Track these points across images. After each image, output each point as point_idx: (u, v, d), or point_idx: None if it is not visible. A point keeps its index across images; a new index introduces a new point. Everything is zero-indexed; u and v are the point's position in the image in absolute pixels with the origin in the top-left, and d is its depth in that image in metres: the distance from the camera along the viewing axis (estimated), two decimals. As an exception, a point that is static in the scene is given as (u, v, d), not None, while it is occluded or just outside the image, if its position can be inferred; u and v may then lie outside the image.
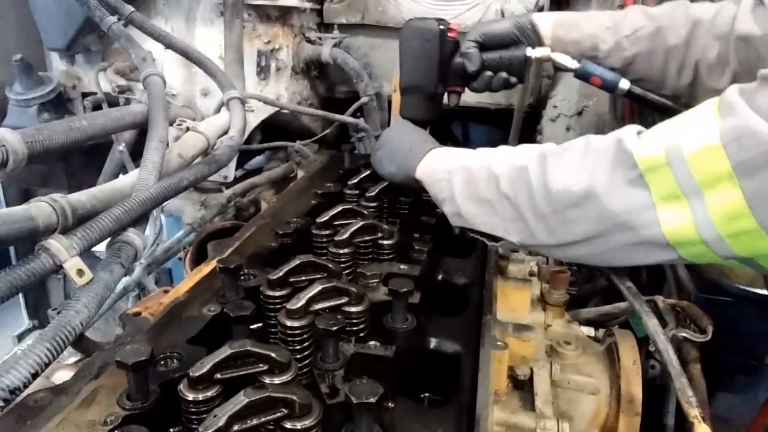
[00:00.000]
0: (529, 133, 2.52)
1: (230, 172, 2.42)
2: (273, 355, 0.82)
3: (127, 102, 2.24)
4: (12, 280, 0.85)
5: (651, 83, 1.44)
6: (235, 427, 0.72)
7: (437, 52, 1.50)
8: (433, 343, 1.10)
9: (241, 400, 0.73)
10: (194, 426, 0.79)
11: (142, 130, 1.45)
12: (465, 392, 0.97)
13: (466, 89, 1.62)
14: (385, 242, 1.27)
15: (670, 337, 1.63)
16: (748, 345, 1.74)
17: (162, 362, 0.95)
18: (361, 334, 1.03)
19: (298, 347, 0.94)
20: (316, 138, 2.55)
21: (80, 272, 0.92)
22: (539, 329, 1.27)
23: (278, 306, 1.04)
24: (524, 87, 2.23)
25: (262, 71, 2.38)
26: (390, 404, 0.93)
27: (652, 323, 1.09)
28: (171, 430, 0.86)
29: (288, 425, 0.75)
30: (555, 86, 2.47)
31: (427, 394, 1.09)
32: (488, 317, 1.11)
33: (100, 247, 1.06)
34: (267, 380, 0.81)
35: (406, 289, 1.03)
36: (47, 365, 0.81)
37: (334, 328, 0.92)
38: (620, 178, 0.89)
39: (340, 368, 0.95)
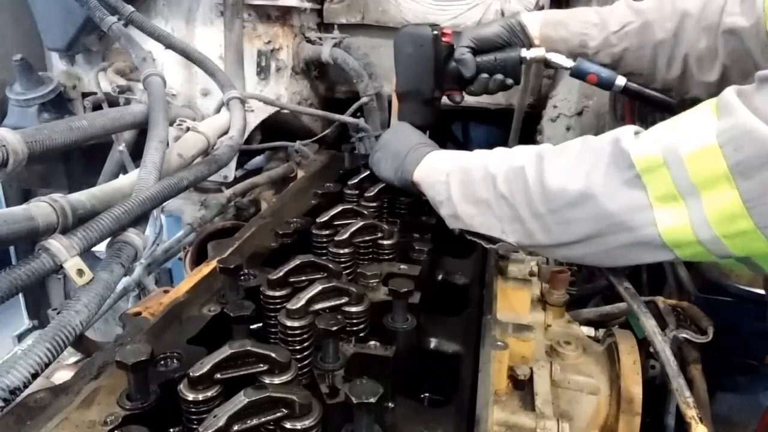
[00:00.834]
0: (529, 133, 2.52)
1: (230, 172, 2.42)
2: (273, 355, 0.82)
3: (127, 102, 2.24)
4: (12, 280, 0.85)
5: (641, 78, 1.45)
6: (235, 427, 0.72)
7: (432, 57, 1.50)
8: (433, 343, 1.10)
9: (241, 400, 0.73)
10: (194, 426, 0.79)
11: (142, 130, 1.45)
12: (465, 392, 0.97)
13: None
14: (385, 242, 1.27)
15: (670, 338, 1.64)
16: (748, 345, 1.74)
17: (162, 362, 0.95)
18: (361, 334, 1.03)
19: (298, 347, 0.94)
20: (316, 138, 2.55)
21: (80, 272, 0.92)
22: (539, 329, 1.27)
23: (278, 306, 1.04)
24: (524, 87, 2.23)
25: (262, 71, 2.38)
26: (390, 404, 0.93)
27: (650, 324, 1.10)
28: (171, 430, 0.86)
29: (288, 425, 0.75)
30: (555, 86, 2.47)
31: (427, 394, 1.09)
32: (488, 317, 1.11)
33: (100, 247, 1.06)
34: (267, 380, 0.81)
35: (406, 289, 1.03)
36: (47, 365, 0.81)
37: (334, 328, 0.92)
38: (617, 178, 0.89)
39: (340, 368, 0.95)
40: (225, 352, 0.81)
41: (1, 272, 0.85)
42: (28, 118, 2.31)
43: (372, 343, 1.00)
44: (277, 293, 1.05)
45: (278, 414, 0.75)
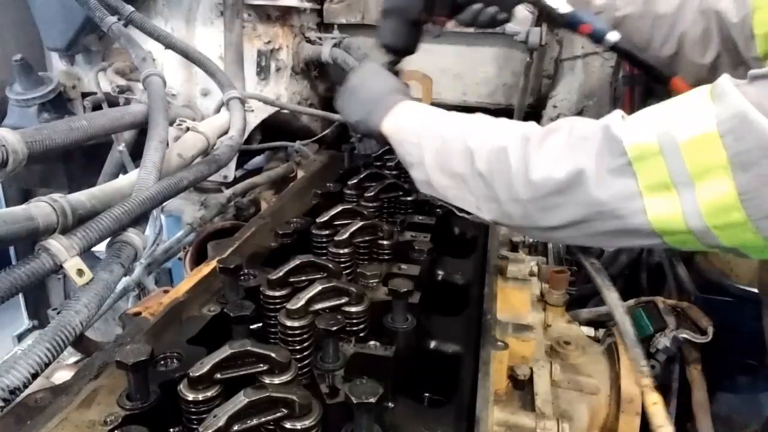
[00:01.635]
0: (529, 133, 2.52)
1: (230, 172, 2.42)
2: (273, 355, 0.82)
3: (127, 102, 2.24)
4: (12, 280, 0.85)
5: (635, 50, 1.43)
6: (235, 427, 0.72)
7: None
8: (433, 343, 1.10)
9: (241, 400, 0.73)
10: (194, 426, 0.79)
11: (142, 130, 1.45)
12: (465, 392, 0.97)
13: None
14: (385, 242, 1.27)
15: (670, 338, 1.64)
16: (748, 345, 1.74)
17: (162, 362, 0.95)
18: (361, 334, 1.03)
19: (298, 347, 0.94)
20: (316, 138, 2.55)
21: (80, 272, 0.92)
22: (539, 329, 1.27)
23: (278, 306, 1.04)
24: (524, 87, 2.22)
25: (262, 71, 2.38)
26: (390, 404, 0.93)
27: (611, 297, 1.14)
28: (171, 430, 0.86)
29: (288, 425, 0.75)
30: (555, 86, 2.47)
31: (427, 394, 1.09)
32: (488, 317, 1.11)
33: (100, 247, 1.06)
34: (267, 380, 0.81)
35: (406, 289, 1.03)
36: (47, 365, 0.80)
37: (334, 328, 0.92)
38: (607, 165, 0.87)
39: (340, 368, 0.95)
40: (225, 352, 0.81)
41: (1, 272, 0.85)
42: (28, 118, 2.31)
43: (372, 343, 1.00)
44: (277, 293, 1.05)
45: (278, 414, 0.75)
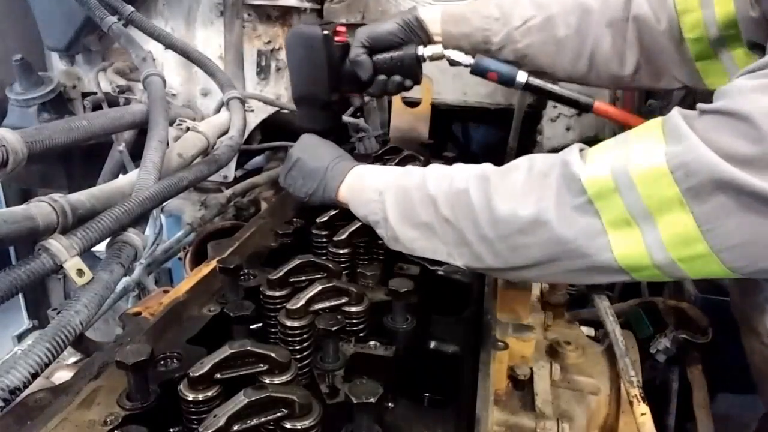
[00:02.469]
0: (529, 133, 2.52)
1: (230, 172, 2.42)
2: (273, 355, 0.82)
3: (127, 102, 2.24)
4: (12, 280, 0.85)
5: (546, 76, 1.40)
6: (235, 427, 0.72)
7: (324, 59, 1.40)
8: (433, 343, 1.10)
9: (241, 400, 0.73)
10: (194, 426, 0.79)
11: (142, 130, 1.45)
12: (465, 392, 0.97)
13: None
14: (385, 242, 1.27)
15: (670, 338, 1.64)
16: (748, 345, 1.74)
17: (162, 362, 0.95)
18: (361, 334, 1.03)
19: (298, 347, 0.94)
20: (316, 138, 2.54)
21: (80, 272, 0.92)
22: (539, 329, 1.27)
23: (278, 306, 1.04)
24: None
25: (262, 71, 2.38)
26: (390, 404, 0.93)
27: (603, 305, 1.17)
28: (171, 430, 0.86)
29: (288, 425, 0.75)
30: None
31: (427, 394, 1.09)
32: (488, 317, 1.11)
33: (100, 247, 1.06)
34: (267, 380, 0.81)
35: (406, 289, 1.03)
36: (47, 365, 0.80)
37: (334, 328, 0.92)
38: (569, 204, 0.87)
39: (340, 368, 0.95)
40: (225, 352, 0.81)
41: (1, 272, 0.85)
42: (28, 118, 2.31)
43: (372, 343, 1.00)
44: (277, 293, 1.05)
45: (278, 414, 0.75)
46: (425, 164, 1.66)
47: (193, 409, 0.80)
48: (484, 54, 1.40)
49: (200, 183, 1.46)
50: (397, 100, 2.24)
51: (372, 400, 0.75)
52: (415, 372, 1.05)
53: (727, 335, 1.63)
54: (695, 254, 0.80)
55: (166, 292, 1.38)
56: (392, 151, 1.77)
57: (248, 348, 0.82)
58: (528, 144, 2.51)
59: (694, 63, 1.24)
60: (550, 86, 1.39)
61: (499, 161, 1.07)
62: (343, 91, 1.50)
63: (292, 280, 1.08)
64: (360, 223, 1.24)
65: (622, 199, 0.82)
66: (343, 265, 1.18)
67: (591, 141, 0.98)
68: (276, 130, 2.53)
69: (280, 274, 1.06)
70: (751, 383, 1.26)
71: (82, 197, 1.03)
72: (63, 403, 0.86)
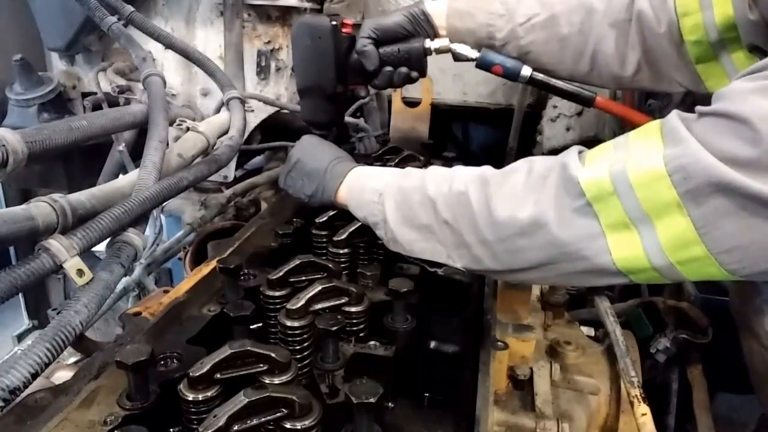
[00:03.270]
0: (529, 133, 2.53)
1: (230, 172, 2.42)
2: (273, 355, 0.82)
3: (127, 102, 2.24)
4: (12, 280, 0.85)
5: (548, 73, 1.41)
6: (235, 427, 0.72)
7: (332, 50, 1.40)
8: (433, 343, 1.10)
9: (241, 400, 0.73)
10: (194, 426, 0.79)
11: (142, 130, 1.45)
12: (465, 392, 0.97)
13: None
14: (385, 242, 1.27)
15: (670, 338, 1.64)
16: (748, 345, 1.74)
17: (162, 362, 0.95)
18: (361, 334, 1.03)
19: (298, 347, 0.94)
20: (316, 138, 2.54)
21: (80, 272, 0.92)
22: (539, 329, 1.27)
23: (278, 306, 1.04)
24: (524, 87, 2.20)
25: (262, 71, 2.38)
26: (390, 404, 0.93)
27: (603, 306, 1.17)
28: (171, 430, 0.86)
29: (288, 425, 0.75)
30: (555, 86, 2.47)
31: (427, 394, 1.09)
32: (488, 317, 1.11)
33: (100, 247, 1.06)
34: (267, 380, 0.81)
35: (406, 289, 1.03)
36: (47, 365, 0.80)
37: (334, 328, 0.92)
38: (568, 206, 0.87)
39: (340, 368, 0.95)
40: (225, 352, 0.81)
41: (1, 272, 0.85)
42: (28, 118, 2.31)
43: (372, 343, 1.00)
44: (277, 293, 1.05)
45: (278, 414, 0.75)
46: (425, 164, 1.67)
47: (193, 409, 0.80)
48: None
49: (200, 183, 1.46)
50: (397, 100, 2.24)
51: (372, 400, 0.75)
52: (415, 372, 1.05)
53: (727, 335, 1.63)
54: (693, 257, 0.80)
55: (166, 292, 1.38)
56: (392, 151, 1.77)
57: (248, 348, 0.82)
58: (528, 144, 2.52)
59: (694, 66, 1.24)
60: (553, 81, 1.41)
61: (499, 161, 1.07)
62: (348, 83, 1.49)
63: (292, 280, 1.08)
64: (360, 223, 1.24)
65: (621, 202, 0.82)
66: (342, 265, 1.18)
67: (591, 141, 0.99)
68: (276, 130, 2.53)
69: (280, 274, 1.06)
70: (750, 383, 1.26)
71: (82, 197, 1.03)
72: (63, 403, 0.86)
